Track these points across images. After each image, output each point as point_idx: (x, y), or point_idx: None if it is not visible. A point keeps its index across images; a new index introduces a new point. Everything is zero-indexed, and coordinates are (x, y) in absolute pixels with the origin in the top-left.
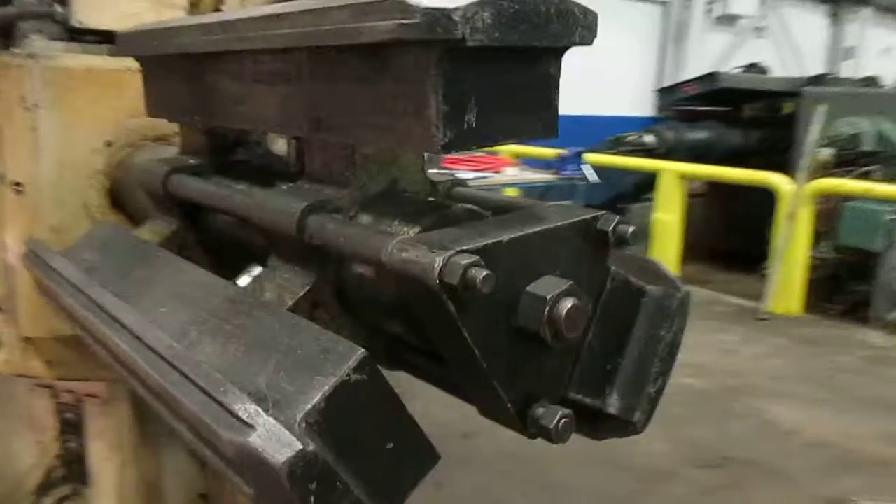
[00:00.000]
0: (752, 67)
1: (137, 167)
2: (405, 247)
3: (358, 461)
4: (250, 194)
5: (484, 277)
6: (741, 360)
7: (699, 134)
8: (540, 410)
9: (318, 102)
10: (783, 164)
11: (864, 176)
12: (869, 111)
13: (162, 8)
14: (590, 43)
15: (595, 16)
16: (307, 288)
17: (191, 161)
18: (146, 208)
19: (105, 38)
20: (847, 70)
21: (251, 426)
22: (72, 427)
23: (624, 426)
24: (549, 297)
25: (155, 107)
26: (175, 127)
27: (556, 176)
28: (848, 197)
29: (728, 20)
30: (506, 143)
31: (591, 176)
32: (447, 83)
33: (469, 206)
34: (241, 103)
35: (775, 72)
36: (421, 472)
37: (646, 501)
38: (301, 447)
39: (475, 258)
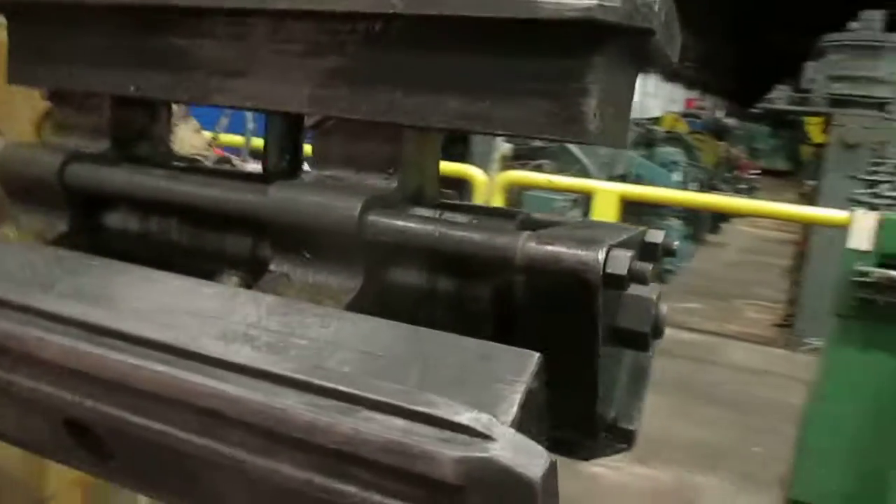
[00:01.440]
0: None
1: (3, 159)
2: (541, 237)
3: None
4: (255, 190)
5: (649, 270)
6: None
7: None
8: (613, 417)
9: (391, 79)
10: (453, 156)
11: (538, 168)
12: None
13: None
14: (675, 62)
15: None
16: (356, 291)
17: (88, 150)
18: None
19: None
20: None
21: (492, 438)
22: None
23: (623, 440)
24: (652, 298)
25: (38, 72)
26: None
27: None
28: (527, 187)
29: None
30: (608, 146)
31: None
32: (608, 73)
33: (519, 211)
34: (239, 76)
35: None
36: None
37: None
38: (551, 457)
39: (632, 252)
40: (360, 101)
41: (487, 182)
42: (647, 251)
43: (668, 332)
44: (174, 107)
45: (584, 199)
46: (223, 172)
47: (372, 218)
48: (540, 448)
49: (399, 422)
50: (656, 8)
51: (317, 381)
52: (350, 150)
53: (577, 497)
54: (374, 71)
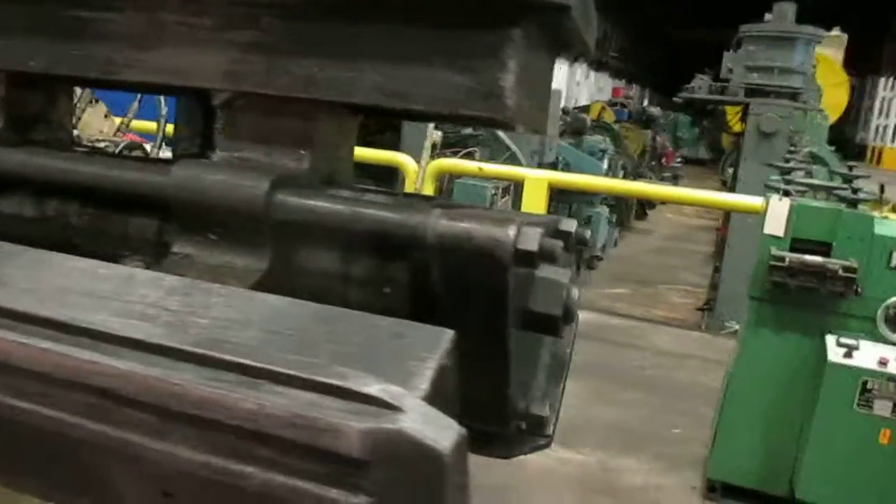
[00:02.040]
0: None
1: None
2: (451, 214)
3: None
4: (158, 170)
5: (561, 248)
6: None
7: None
8: (523, 403)
9: (309, 53)
10: (378, 144)
11: (468, 156)
12: None
13: None
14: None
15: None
16: (262, 272)
17: None
18: None
19: None
20: None
21: (400, 409)
22: None
23: (539, 441)
24: (564, 283)
25: None
26: None
27: None
28: (457, 175)
29: None
30: (530, 130)
31: None
32: (528, 48)
33: (436, 197)
34: (150, 49)
35: None
36: None
37: None
38: (461, 430)
39: (543, 229)
40: (275, 77)
41: (418, 170)
42: (559, 239)
43: (592, 317)
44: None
45: (514, 188)
46: (126, 156)
47: (280, 197)
48: (450, 420)
49: (304, 395)
50: None
51: (217, 355)
52: (261, 130)
53: (501, 482)
54: (290, 45)
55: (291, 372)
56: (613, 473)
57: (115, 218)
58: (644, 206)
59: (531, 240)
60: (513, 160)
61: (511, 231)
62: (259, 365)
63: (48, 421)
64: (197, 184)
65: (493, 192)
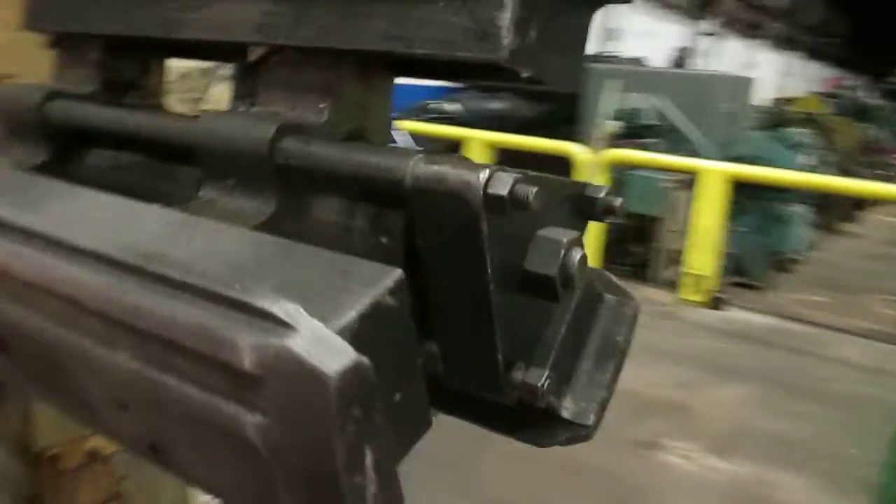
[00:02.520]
0: None
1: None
2: (433, 160)
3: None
4: (187, 121)
5: (535, 193)
6: None
7: (496, 104)
8: (520, 373)
9: (330, 5)
10: (566, 135)
11: (645, 148)
12: (645, 89)
13: None
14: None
15: None
16: (267, 215)
17: (74, 91)
18: None
19: None
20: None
21: (290, 325)
22: None
23: (577, 431)
24: (563, 241)
25: (45, 17)
26: (17, 67)
27: None
28: (631, 167)
29: None
30: (539, 83)
31: (408, 142)
32: None
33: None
34: (203, 8)
35: None
36: (418, 433)
37: (477, 461)
38: (358, 358)
39: (520, 175)
40: (300, 28)
41: (589, 160)
42: (584, 204)
43: (774, 322)
44: (213, 65)
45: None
46: (177, 113)
47: (283, 143)
48: (346, 346)
49: (210, 305)
50: None
51: (146, 267)
52: (288, 86)
53: (642, 487)
54: (314, 2)
55: (204, 286)
56: (767, 488)
57: (165, 167)
58: (854, 206)
59: (502, 184)
60: (695, 153)
61: (482, 175)
62: (177, 278)
63: (30, 323)
64: (213, 132)
65: (668, 185)
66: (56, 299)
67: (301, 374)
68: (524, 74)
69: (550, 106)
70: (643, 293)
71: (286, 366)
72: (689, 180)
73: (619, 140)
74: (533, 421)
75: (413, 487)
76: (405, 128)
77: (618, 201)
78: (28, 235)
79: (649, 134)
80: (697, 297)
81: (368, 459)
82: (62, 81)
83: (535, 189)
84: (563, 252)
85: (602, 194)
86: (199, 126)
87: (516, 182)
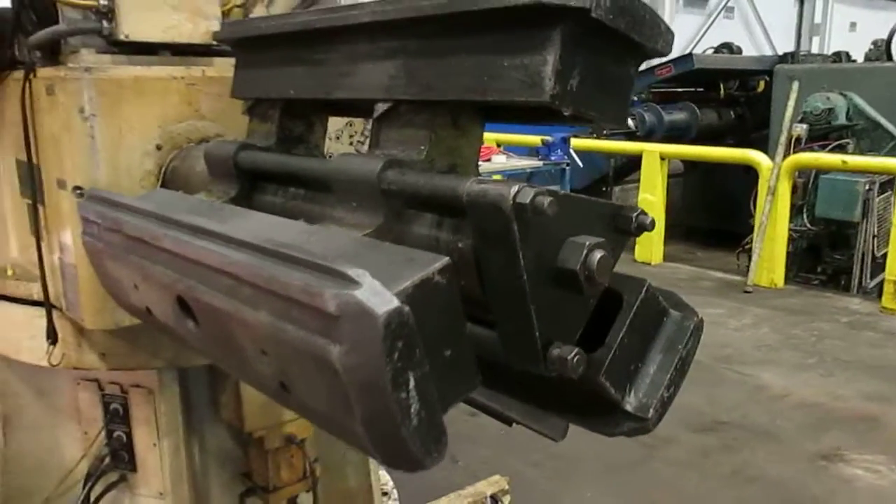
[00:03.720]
0: (725, 47)
1: (206, 150)
2: (483, 182)
3: (428, 349)
4: (325, 162)
5: (549, 203)
6: (729, 332)
7: (676, 115)
8: (557, 350)
9: (430, 68)
10: (757, 141)
11: (839, 149)
12: (840, 86)
13: (199, 19)
14: (667, 53)
15: (672, 34)
16: (375, 226)
17: (258, 144)
18: (201, 187)
19: (147, 50)
20: (816, 46)
21: (358, 283)
22: (117, 417)
23: (638, 423)
24: (587, 244)
25: (245, 88)
26: (218, 129)
27: (542, 162)
28: (822, 170)
29: (698, 2)
30: (588, 120)
31: (576, 160)
32: (564, 46)
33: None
34: (348, 76)
35: (746, 51)
36: (465, 390)
37: (649, 465)
38: (400, 304)
39: (542, 189)
40: (410, 87)
41: (772, 167)
42: (621, 221)
43: None
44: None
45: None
46: (319, 157)
47: (387, 174)
48: (393, 297)
49: (314, 272)
50: None
51: (268, 246)
52: (400, 135)
53: (819, 499)
54: (420, 66)
55: (308, 258)
56: None
57: (315, 196)
58: None
59: (526, 196)
60: None
61: (513, 189)
62: (296, 255)
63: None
64: (340, 169)
65: (866, 187)
66: (225, 276)
67: (362, 313)
68: (567, 113)
69: (736, 111)
70: (840, 303)
71: (353, 308)
72: (889, 180)
73: (811, 143)
74: (601, 412)
75: (582, 490)
76: (578, 146)
77: (649, 220)
78: (213, 236)
79: (841, 135)
80: None
81: (412, 383)
82: (252, 138)
83: (550, 199)
84: (585, 252)
85: (635, 214)
86: (332, 165)
87: (537, 195)
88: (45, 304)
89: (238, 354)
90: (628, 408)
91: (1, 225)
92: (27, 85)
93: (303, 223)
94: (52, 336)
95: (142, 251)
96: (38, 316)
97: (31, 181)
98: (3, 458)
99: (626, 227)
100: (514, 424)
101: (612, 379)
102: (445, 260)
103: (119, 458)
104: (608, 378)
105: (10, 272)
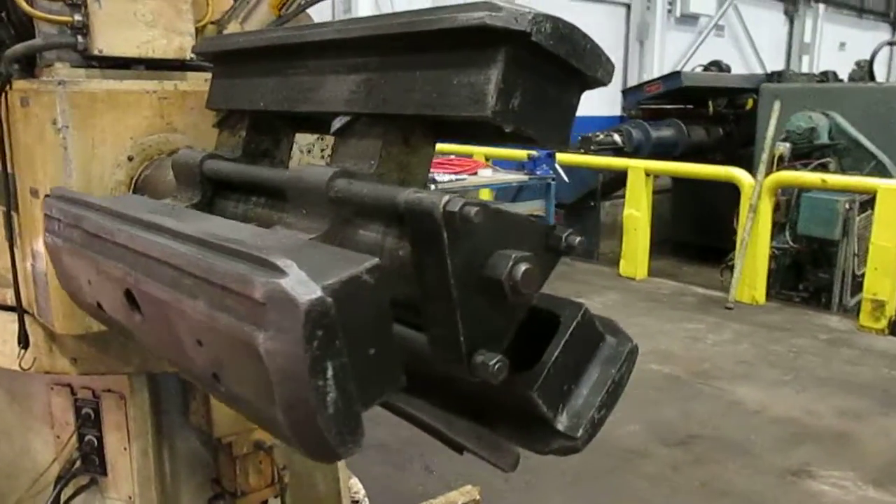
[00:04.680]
0: (714, 65)
1: (174, 159)
2: (419, 192)
3: (350, 344)
4: (281, 172)
5: (476, 212)
6: (708, 347)
7: (664, 132)
8: (481, 356)
9: (387, 84)
10: (744, 158)
11: (821, 168)
12: (823, 105)
13: (172, 35)
14: (607, 83)
15: (613, 65)
16: (321, 231)
17: (224, 154)
18: (168, 195)
19: (122, 64)
20: (805, 65)
21: (285, 272)
22: (89, 421)
23: (568, 442)
24: (513, 256)
25: (219, 99)
26: (189, 142)
27: (528, 176)
28: (805, 188)
29: (688, 20)
30: (531, 140)
31: (562, 175)
32: (506, 67)
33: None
34: (313, 90)
35: (736, 69)
36: (387, 388)
37: (620, 477)
38: (322, 295)
39: (473, 200)
40: (369, 100)
41: (754, 184)
42: (553, 241)
43: None
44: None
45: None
46: (276, 167)
47: (334, 182)
48: (317, 287)
49: (248, 263)
50: (531, 18)
51: (209, 239)
52: (355, 149)
53: None
54: (378, 82)
55: (244, 250)
56: None
57: (272, 203)
58: None
59: (455, 205)
60: (881, 171)
61: (444, 199)
62: (234, 247)
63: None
64: (293, 178)
65: (847, 206)
66: (169, 268)
67: (286, 300)
68: (507, 130)
69: (723, 129)
70: (819, 320)
71: (278, 296)
72: (869, 200)
73: (794, 161)
74: (532, 430)
75: (551, 501)
76: (564, 161)
77: (577, 240)
78: (162, 231)
79: (823, 154)
80: (878, 324)
81: (329, 371)
82: (219, 150)
83: (477, 209)
84: (511, 263)
85: (566, 234)
86: (287, 175)
87: (465, 204)
88: (18, 309)
89: (178, 346)
90: (559, 426)
91: None
92: (3, 97)
93: (253, 226)
94: (23, 341)
95: (96, 246)
96: (10, 321)
97: (6, 189)
98: None
99: (556, 246)
100: (464, 452)
101: (545, 396)
102: (375, 261)
103: (90, 461)
104: (541, 395)
105: None
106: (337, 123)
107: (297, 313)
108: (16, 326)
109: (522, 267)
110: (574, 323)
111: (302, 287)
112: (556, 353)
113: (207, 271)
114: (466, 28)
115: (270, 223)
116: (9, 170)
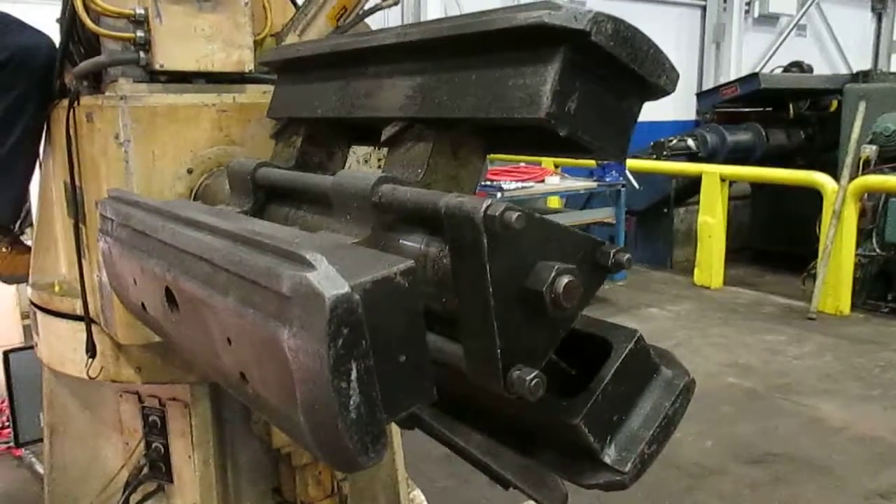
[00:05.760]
0: (795, 66)
1: (229, 167)
2: (461, 196)
3: (378, 347)
4: (328, 178)
5: (517, 217)
6: (789, 360)
7: (740, 136)
8: (518, 371)
9: (442, 88)
10: (827, 162)
11: None
12: None
13: (231, 49)
14: (671, 91)
15: (677, 73)
16: (364, 236)
17: (277, 164)
18: (223, 203)
19: (182, 78)
20: (894, 64)
21: (314, 266)
22: (155, 429)
23: (615, 476)
24: (556, 267)
25: (279, 108)
26: (247, 154)
27: (597, 183)
28: (892, 193)
29: (768, 20)
30: (586, 149)
31: (633, 182)
32: (564, 68)
33: None
34: (370, 96)
35: (819, 69)
36: (416, 400)
37: (695, 496)
38: (349, 291)
39: (515, 206)
40: (423, 106)
41: (837, 190)
42: (601, 257)
43: None
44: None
45: None
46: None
47: (380, 189)
48: (344, 283)
49: (278, 258)
50: (591, 17)
51: (244, 234)
52: (403, 158)
53: None
54: (434, 86)
55: (276, 244)
56: None
57: (320, 209)
58: None
59: (495, 209)
60: None
61: (485, 203)
62: (267, 242)
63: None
64: (337, 184)
65: None
66: (204, 263)
67: (311, 294)
68: (563, 134)
69: (806, 132)
70: None
71: (304, 289)
72: None
73: (881, 164)
74: (578, 461)
75: None
76: (633, 167)
77: (626, 257)
78: (202, 227)
79: None
80: None
81: (353, 373)
82: (275, 160)
83: (518, 215)
84: (553, 274)
85: (614, 250)
86: (332, 180)
87: (507, 209)
88: (85, 318)
89: (209, 346)
90: (606, 459)
91: (53, 243)
92: (71, 112)
93: (295, 228)
94: (91, 349)
95: (142, 244)
96: (80, 330)
97: (74, 202)
98: (49, 466)
99: (603, 262)
100: (510, 489)
101: (592, 426)
102: (410, 263)
103: (157, 468)
104: (587, 424)
105: (57, 288)
106: (388, 132)
107: (322, 308)
108: (85, 336)
109: (565, 279)
110: (626, 350)
111: (329, 282)
112: (605, 381)
113: (238, 265)
114: (524, 27)
115: (317, 229)
116: (77, 183)
